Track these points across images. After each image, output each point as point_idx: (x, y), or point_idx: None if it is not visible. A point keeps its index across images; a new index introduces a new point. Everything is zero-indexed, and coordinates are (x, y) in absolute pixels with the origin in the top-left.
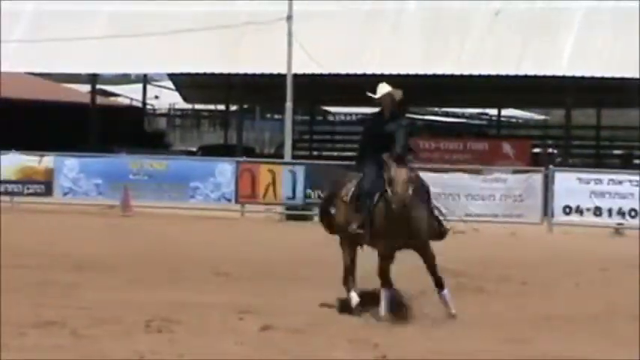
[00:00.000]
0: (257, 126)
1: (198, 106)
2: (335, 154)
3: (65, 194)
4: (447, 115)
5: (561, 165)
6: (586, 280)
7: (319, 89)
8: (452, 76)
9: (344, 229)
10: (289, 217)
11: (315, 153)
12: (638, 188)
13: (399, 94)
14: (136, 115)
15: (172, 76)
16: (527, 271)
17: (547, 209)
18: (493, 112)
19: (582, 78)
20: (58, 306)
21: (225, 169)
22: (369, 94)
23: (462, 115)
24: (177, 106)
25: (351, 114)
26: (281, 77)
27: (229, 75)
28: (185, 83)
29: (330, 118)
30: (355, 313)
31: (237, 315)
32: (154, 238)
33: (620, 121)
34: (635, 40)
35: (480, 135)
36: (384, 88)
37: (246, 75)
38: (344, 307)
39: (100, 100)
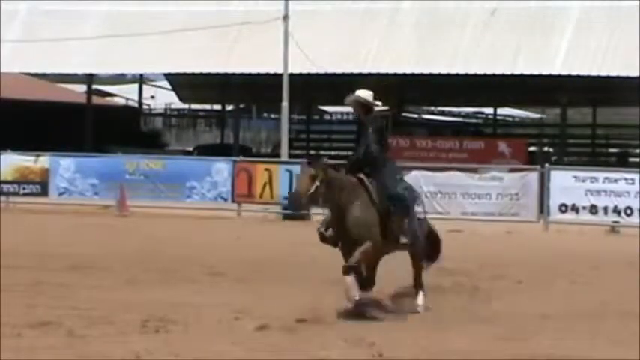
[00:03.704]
0: (253, 125)
1: (194, 106)
2: (332, 153)
3: (61, 194)
4: (442, 114)
5: (557, 163)
6: (581, 278)
7: (315, 88)
8: (447, 74)
9: None
10: (286, 217)
11: (311, 152)
12: (633, 186)
13: (364, 97)
14: (132, 114)
15: (168, 76)
16: (523, 270)
17: (543, 208)
18: (489, 110)
19: (577, 77)
20: (53, 306)
21: (221, 168)
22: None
23: (458, 114)
24: (173, 106)
25: (347, 113)
26: (277, 77)
27: (225, 74)
28: (181, 83)
29: (327, 117)
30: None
31: (232, 315)
32: (150, 238)
33: (616, 120)
34: (629, 38)
35: (476, 134)
36: (357, 94)
37: (242, 74)
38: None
39: (95, 100)
